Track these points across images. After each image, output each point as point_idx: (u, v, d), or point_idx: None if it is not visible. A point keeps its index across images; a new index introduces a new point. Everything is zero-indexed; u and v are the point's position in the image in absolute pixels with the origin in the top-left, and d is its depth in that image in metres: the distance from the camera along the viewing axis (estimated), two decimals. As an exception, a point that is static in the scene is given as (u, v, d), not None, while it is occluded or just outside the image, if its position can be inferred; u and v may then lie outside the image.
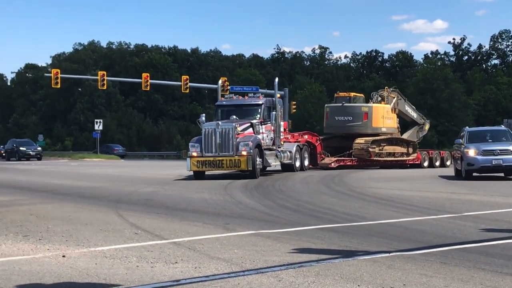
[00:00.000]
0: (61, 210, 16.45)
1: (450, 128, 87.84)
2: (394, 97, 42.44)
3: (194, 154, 28.12)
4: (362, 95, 44.05)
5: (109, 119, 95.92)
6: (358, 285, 7.67)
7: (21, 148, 65.35)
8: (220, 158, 27.50)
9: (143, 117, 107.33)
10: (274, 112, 30.69)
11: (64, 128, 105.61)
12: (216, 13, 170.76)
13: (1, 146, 73.04)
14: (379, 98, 42.03)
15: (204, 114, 31.56)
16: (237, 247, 10.50)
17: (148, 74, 55.72)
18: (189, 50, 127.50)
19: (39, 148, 67.60)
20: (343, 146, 39.78)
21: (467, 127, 32.51)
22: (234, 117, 29.44)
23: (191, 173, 28.99)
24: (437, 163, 42.73)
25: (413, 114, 45.85)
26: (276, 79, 36.21)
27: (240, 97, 35.11)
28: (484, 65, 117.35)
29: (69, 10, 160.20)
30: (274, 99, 32.90)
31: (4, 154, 67.80)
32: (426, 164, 42.12)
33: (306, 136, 38.23)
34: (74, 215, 15.22)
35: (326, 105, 45.60)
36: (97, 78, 54.25)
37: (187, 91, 58.58)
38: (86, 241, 11.31)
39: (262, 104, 30.79)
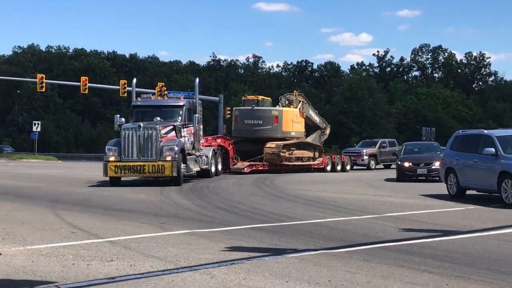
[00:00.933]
0: (-1, 209, 16.06)
1: (373, 134, 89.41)
2: (301, 101, 41.20)
3: (112, 158, 24.40)
4: (269, 98, 42.27)
5: (47, 121, 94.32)
6: (287, 281, 7.72)
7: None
8: (142, 163, 24.16)
9: (81, 119, 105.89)
10: (196, 115, 27.50)
11: (3, 129, 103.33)
12: (155, 20, 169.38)
13: None
14: (287, 102, 40.44)
15: (118, 115, 27.63)
16: (172, 245, 10.45)
17: (86, 78, 55.05)
18: (127, 56, 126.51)
19: (-24, 149, 66.28)
20: (251, 150, 37.40)
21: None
22: (158, 118, 25.84)
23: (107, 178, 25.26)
24: (339, 167, 41.62)
25: (316, 118, 44.23)
26: (197, 80, 31.57)
27: (159, 98, 32.92)
28: (405, 77, 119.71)
29: (9, 12, 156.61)
30: (195, 101, 29.24)
31: None
32: (329, 168, 40.94)
33: (219, 140, 35.74)
34: (11, 214, 14.89)
35: (234, 108, 42.68)
36: (36, 80, 53.21)
37: (125, 95, 57.89)
38: (22, 239, 11.08)
39: (184, 105, 27.21)
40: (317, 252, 9.88)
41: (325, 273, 8.22)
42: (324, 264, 8.92)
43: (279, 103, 40.51)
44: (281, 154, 36.88)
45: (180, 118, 26.50)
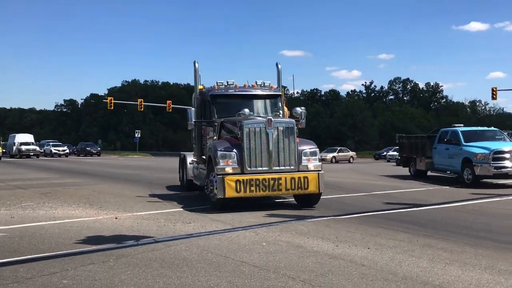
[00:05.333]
0: (114, 188, 16.27)
1: (363, 139, 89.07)
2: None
3: (229, 169, 10.69)
4: None
5: (144, 130, 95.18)
6: (307, 238, 7.66)
7: (87, 148, 65.55)
8: (276, 176, 10.70)
9: (166, 129, 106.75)
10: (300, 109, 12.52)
11: (115, 135, 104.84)
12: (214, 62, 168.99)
13: (74, 147, 72.57)
14: None
15: (192, 110, 12.93)
16: (229, 213, 10.44)
17: (170, 101, 55.99)
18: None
19: (99, 148, 67.60)
20: None
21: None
22: (247, 111, 11.38)
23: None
24: None
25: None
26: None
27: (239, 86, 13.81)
28: (384, 99, 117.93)
29: (121, 56, 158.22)
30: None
31: (76, 152, 67.50)
32: None
33: None
34: (122, 192, 15.07)
35: None
36: (137, 103, 53.97)
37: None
38: (130, 208, 11.22)
39: (281, 96, 13.20)
40: (327, 218, 9.80)
41: (333, 232, 8.15)
42: (332, 226, 8.85)
43: None
44: None
45: (280, 112, 12.73)
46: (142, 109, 57.99)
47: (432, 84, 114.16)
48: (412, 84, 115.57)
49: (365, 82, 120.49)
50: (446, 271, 5.67)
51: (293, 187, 10.64)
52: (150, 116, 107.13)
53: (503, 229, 8.67)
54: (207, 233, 8.07)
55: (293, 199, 12.20)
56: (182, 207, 11.41)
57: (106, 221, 9.34)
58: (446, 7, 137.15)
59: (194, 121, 12.55)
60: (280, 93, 12.98)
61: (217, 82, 12.66)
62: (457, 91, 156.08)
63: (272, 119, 10.81)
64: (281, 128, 10.78)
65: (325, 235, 7.87)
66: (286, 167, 10.75)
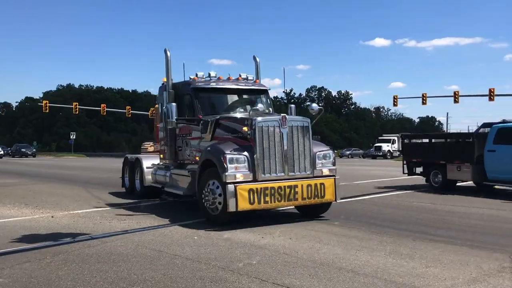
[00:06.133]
0: (50, 188, 15.47)
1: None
2: None
3: (239, 176, 7.93)
4: None
5: (79, 132, 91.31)
6: (235, 230, 7.65)
7: (22, 149, 61.96)
8: (292, 183, 8.20)
9: (100, 131, 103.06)
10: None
11: (50, 137, 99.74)
12: (153, 64, 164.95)
13: (9, 148, 68.26)
14: None
15: (174, 105, 9.52)
16: (162, 209, 10.24)
17: (104, 105, 54.30)
18: (130, 91, 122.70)
19: (34, 150, 64.26)
20: None
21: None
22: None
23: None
24: None
25: None
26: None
27: (222, 79, 10.41)
28: (302, 105, 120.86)
29: (55, 62, 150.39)
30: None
31: (10, 153, 63.53)
32: None
33: None
34: (59, 191, 14.37)
35: None
36: (72, 106, 51.72)
37: (130, 115, 57.15)
38: (66, 207, 10.72)
39: (268, 90, 10.91)
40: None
41: (258, 224, 8.21)
42: (257, 219, 8.90)
43: None
44: None
45: (270, 109, 10.42)
46: (77, 113, 55.74)
47: (343, 92, 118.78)
48: (326, 91, 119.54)
49: (286, 90, 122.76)
50: (357, 257, 5.90)
51: (309, 196, 8.33)
52: (85, 119, 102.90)
53: (403, 219, 9.13)
54: (141, 229, 7.88)
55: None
56: (116, 205, 11.05)
57: (42, 220, 8.86)
58: (355, 24, 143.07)
59: (177, 119, 9.57)
60: (269, 88, 10.72)
61: (196, 74, 9.90)
62: (364, 98, 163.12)
63: (287, 116, 8.54)
64: (296, 127, 8.52)
65: (251, 228, 7.92)
66: (302, 173, 8.45)
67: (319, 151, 8.82)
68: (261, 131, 8.19)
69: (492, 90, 36.90)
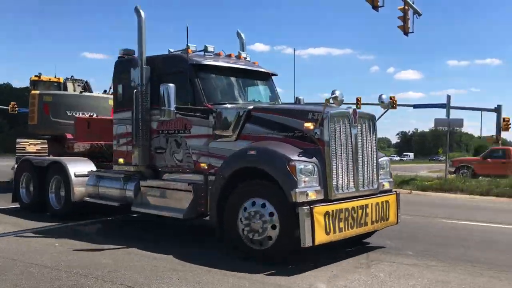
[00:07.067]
0: None
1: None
2: None
3: (312, 194, 5.42)
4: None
5: None
6: (103, 237, 7.28)
7: None
8: (364, 202, 5.99)
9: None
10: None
11: None
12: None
13: None
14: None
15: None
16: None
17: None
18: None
19: None
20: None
21: None
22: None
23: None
24: None
25: None
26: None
27: (222, 55, 7.57)
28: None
29: None
30: None
31: None
32: None
33: None
34: None
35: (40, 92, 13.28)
36: None
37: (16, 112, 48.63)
38: None
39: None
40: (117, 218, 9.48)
41: (125, 231, 7.93)
42: (122, 227, 8.60)
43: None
44: None
45: (279, 100, 8.00)
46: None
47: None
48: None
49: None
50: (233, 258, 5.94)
51: (377, 219, 6.24)
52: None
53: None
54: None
55: None
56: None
57: None
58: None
59: (176, 107, 6.40)
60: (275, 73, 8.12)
61: (188, 46, 6.83)
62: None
63: (357, 110, 6.27)
64: (365, 126, 6.31)
65: (120, 234, 7.61)
66: (370, 187, 6.29)
67: (380, 158, 6.69)
68: (333, 130, 5.86)
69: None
